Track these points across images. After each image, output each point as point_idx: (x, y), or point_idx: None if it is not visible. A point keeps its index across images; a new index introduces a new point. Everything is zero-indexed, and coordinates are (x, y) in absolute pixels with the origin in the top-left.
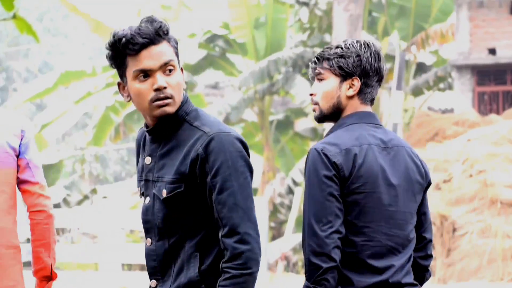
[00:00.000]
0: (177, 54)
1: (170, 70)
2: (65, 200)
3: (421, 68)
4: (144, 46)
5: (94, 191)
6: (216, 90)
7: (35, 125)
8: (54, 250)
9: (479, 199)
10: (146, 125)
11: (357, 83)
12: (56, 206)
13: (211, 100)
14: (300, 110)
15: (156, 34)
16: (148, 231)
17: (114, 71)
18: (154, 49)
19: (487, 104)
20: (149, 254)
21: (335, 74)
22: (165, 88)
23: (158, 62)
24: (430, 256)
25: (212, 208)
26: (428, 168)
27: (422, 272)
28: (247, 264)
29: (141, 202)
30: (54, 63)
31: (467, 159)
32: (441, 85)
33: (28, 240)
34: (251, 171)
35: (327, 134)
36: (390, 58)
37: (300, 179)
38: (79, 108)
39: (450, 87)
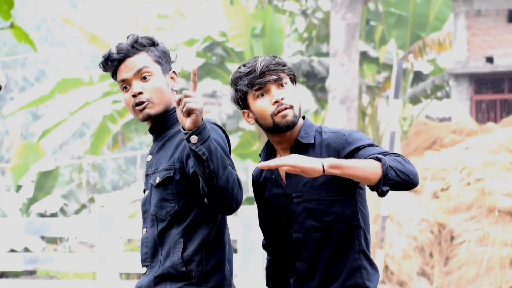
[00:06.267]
0: (159, 62)
1: (145, 77)
2: (62, 209)
3: (418, 76)
4: (121, 60)
5: (91, 200)
6: (214, 99)
7: (32, 133)
8: None
9: (477, 208)
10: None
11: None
12: (54, 215)
13: (209, 109)
14: None
15: (132, 47)
16: (144, 221)
17: (111, 81)
18: (129, 61)
19: (485, 113)
20: (143, 242)
21: (291, 80)
22: (140, 93)
23: (131, 71)
24: None
25: (199, 194)
26: None
27: None
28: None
29: (139, 211)
30: (51, 72)
31: (464, 168)
32: (439, 94)
33: (25, 249)
34: (229, 146)
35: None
36: (388, 67)
37: None
38: (77, 117)
39: (447, 95)
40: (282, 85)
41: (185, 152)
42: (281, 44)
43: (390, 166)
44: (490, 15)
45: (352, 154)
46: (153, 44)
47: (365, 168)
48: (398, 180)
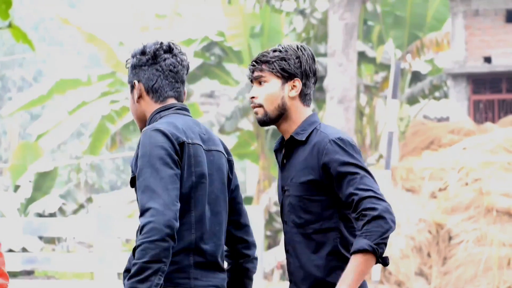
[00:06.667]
0: (130, 72)
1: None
2: (60, 209)
3: (416, 76)
4: None
5: (89, 200)
6: (212, 99)
7: (30, 134)
8: None
9: (475, 208)
10: None
11: (298, 84)
12: (52, 215)
13: (207, 109)
14: None
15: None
16: None
17: (109, 81)
18: None
19: (483, 113)
20: None
21: (277, 76)
22: None
23: None
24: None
25: None
26: None
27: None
28: (150, 233)
29: (137, 211)
30: (49, 72)
31: (462, 168)
32: (437, 94)
33: (23, 249)
34: (170, 155)
35: (299, 132)
36: (385, 66)
37: None
38: (75, 117)
39: (445, 95)
40: (260, 83)
41: None
42: (279, 43)
43: (377, 247)
44: (488, 15)
45: (331, 173)
46: None
47: (364, 271)
48: (386, 242)
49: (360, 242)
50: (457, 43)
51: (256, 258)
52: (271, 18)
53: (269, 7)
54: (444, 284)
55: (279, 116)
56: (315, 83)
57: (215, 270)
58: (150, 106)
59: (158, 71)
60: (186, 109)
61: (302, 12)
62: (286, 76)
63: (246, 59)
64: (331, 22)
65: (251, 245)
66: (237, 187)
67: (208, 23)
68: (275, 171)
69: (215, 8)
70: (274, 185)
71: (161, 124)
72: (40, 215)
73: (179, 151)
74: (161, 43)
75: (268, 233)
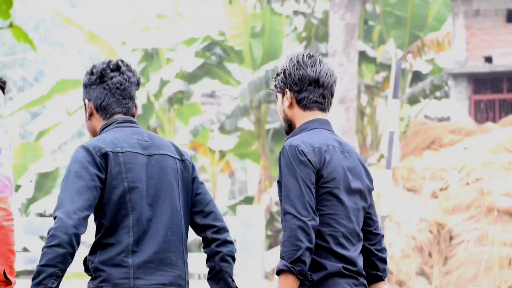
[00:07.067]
0: (83, 91)
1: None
2: None
3: (417, 76)
4: None
5: None
6: (213, 99)
7: (31, 133)
8: (9, 258)
9: (476, 207)
10: None
11: (289, 94)
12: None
13: (208, 108)
14: None
15: None
16: None
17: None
18: None
19: (484, 112)
20: None
21: (278, 92)
22: None
23: None
24: (385, 249)
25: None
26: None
27: (383, 264)
28: (50, 239)
29: None
30: (49, 72)
31: (463, 167)
32: (437, 94)
33: (24, 249)
34: (85, 168)
35: (289, 137)
36: (386, 66)
37: None
38: (76, 118)
39: (446, 95)
40: (277, 98)
41: None
42: (280, 44)
43: (293, 266)
44: (489, 15)
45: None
46: None
47: None
48: (303, 260)
49: (279, 263)
50: (458, 43)
51: (230, 242)
52: (272, 18)
53: (269, 8)
54: (445, 284)
55: (290, 126)
56: (312, 84)
57: (163, 268)
58: (99, 123)
59: (106, 90)
60: (129, 121)
61: (303, 12)
62: (281, 90)
63: (247, 59)
64: (331, 22)
65: (220, 229)
66: (194, 179)
67: (209, 23)
68: (275, 171)
69: (216, 8)
70: (275, 185)
71: (90, 141)
72: (41, 215)
73: (102, 162)
74: (109, 61)
75: (269, 233)
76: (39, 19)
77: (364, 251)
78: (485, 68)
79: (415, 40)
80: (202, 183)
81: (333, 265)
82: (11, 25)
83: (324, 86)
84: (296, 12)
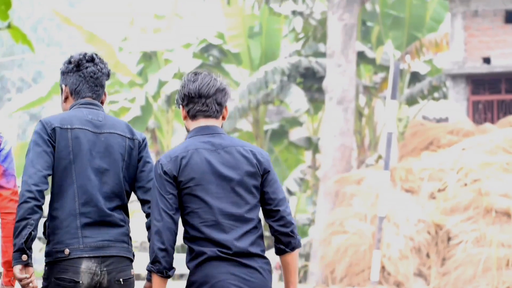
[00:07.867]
0: (60, 77)
1: None
2: None
3: (415, 77)
4: None
5: None
6: None
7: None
8: None
9: (474, 208)
10: None
11: (182, 109)
12: None
13: None
14: (294, 120)
15: None
16: None
17: (107, 82)
18: None
19: (482, 113)
20: None
21: (179, 108)
22: None
23: None
24: (289, 223)
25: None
26: (264, 159)
27: (286, 238)
28: (19, 199)
29: (137, 211)
30: (48, 73)
31: (461, 168)
32: (436, 94)
33: None
34: (41, 137)
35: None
36: (385, 67)
37: (295, 188)
38: None
39: (444, 96)
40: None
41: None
42: (278, 44)
43: (152, 266)
44: (487, 16)
45: None
46: None
47: (154, 286)
48: (159, 260)
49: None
50: (456, 43)
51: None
52: (269, 19)
53: (267, 9)
54: (443, 285)
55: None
56: (195, 97)
57: (107, 227)
58: (71, 105)
59: (81, 77)
60: (91, 104)
61: (301, 13)
62: (179, 106)
63: (245, 60)
64: (330, 22)
65: (148, 190)
66: (142, 158)
67: (207, 24)
68: None
69: (214, 9)
70: None
71: (47, 117)
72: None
73: (52, 134)
74: (85, 53)
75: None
76: (37, 19)
77: (270, 228)
78: (483, 69)
79: (413, 41)
80: (149, 162)
81: (210, 250)
82: (9, 26)
83: (206, 96)
84: (294, 13)
